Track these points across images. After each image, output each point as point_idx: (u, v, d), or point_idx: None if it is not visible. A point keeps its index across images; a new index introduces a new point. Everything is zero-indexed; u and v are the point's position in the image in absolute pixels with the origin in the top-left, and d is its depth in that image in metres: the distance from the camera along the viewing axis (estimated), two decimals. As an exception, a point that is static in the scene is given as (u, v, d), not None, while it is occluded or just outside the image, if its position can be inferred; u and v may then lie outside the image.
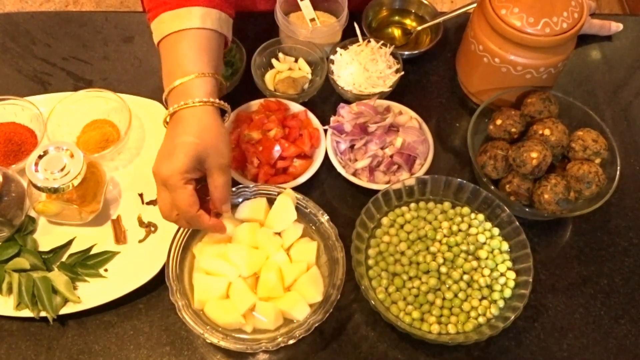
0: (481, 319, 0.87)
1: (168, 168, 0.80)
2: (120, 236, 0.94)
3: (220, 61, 0.91)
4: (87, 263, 0.91)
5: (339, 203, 1.00)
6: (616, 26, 1.21)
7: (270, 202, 0.91)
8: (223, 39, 0.92)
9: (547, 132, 0.96)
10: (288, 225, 0.90)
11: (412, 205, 0.97)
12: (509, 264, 0.91)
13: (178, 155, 0.80)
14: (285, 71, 1.11)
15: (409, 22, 1.20)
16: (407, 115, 1.04)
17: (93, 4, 2.57)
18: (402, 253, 0.92)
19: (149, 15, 0.91)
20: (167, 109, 0.86)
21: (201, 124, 0.83)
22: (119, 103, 1.01)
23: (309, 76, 1.11)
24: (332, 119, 1.02)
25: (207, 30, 0.88)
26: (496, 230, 0.94)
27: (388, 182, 0.99)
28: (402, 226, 0.95)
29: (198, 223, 0.83)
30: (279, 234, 0.90)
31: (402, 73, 1.07)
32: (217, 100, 0.85)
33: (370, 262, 0.92)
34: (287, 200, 0.89)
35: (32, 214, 0.95)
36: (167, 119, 0.86)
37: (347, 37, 1.11)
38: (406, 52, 1.13)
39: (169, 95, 0.86)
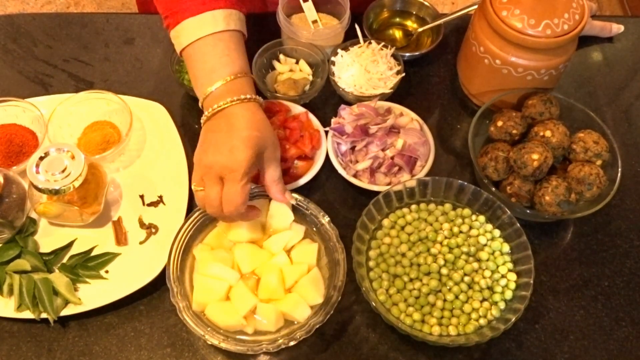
0: (482, 321, 0.87)
1: (233, 161, 0.81)
2: (121, 238, 0.94)
3: (247, 60, 0.93)
4: (88, 264, 0.91)
5: (339, 204, 1.00)
6: (617, 28, 1.21)
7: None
8: (243, 36, 0.94)
9: (548, 133, 0.96)
10: (286, 224, 0.89)
11: (413, 206, 0.97)
12: (510, 265, 0.91)
13: (243, 148, 0.81)
14: (286, 73, 1.11)
15: (410, 24, 1.20)
16: (408, 117, 1.04)
17: (94, 5, 2.57)
18: (403, 255, 0.92)
19: (167, 22, 0.92)
20: (204, 112, 0.87)
21: (256, 117, 0.85)
22: (120, 104, 1.02)
23: (310, 78, 1.11)
24: (333, 120, 1.02)
25: (232, 31, 0.89)
26: (497, 232, 0.94)
27: (389, 184, 0.99)
28: (403, 228, 0.95)
29: (237, 218, 0.86)
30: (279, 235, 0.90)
31: (403, 75, 1.07)
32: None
33: (371, 263, 0.92)
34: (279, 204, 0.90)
35: (33, 215, 0.95)
36: (208, 115, 0.86)
37: (348, 38, 1.11)
38: (407, 54, 1.13)
39: (209, 97, 0.87)
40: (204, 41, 0.88)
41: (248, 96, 0.86)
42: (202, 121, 0.88)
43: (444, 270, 0.90)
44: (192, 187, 0.86)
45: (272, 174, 0.87)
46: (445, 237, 0.93)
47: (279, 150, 0.88)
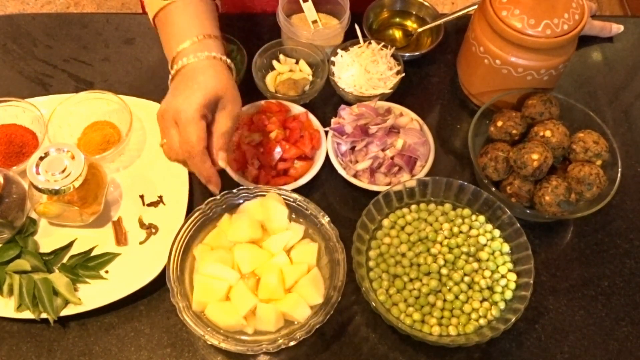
0: (482, 321, 0.87)
1: (186, 102, 0.82)
2: (121, 238, 0.94)
3: (218, 27, 0.93)
4: (88, 265, 0.91)
5: (339, 205, 1.00)
6: (617, 27, 1.21)
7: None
8: (216, 6, 0.95)
9: (548, 133, 0.96)
10: (283, 221, 0.89)
11: (413, 206, 0.97)
12: (510, 265, 0.91)
13: (198, 91, 0.83)
14: (286, 73, 1.11)
15: (410, 24, 1.20)
16: (407, 117, 1.04)
17: (94, 5, 2.57)
18: (403, 255, 0.92)
19: None
20: (171, 72, 0.88)
21: (219, 72, 0.86)
22: (120, 105, 1.02)
23: (310, 78, 1.11)
24: (333, 120, 1.02)
25: None
26: (497, 232, 0.94)
27: (389, 184, 0.99)
28: (403, 228, 0.95)
29: (199, 164, 0.84)
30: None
31: (403, 75, 1.07)
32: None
33: (371, 263, 0.92)
34: (271, 201, 0.90)
35: (33, 215, 0.95)
36: (173, 74, 0.87)
37: (348, 38, 1.11)
38: (407, 54, 1.13)
39: (177, 56, 0.88)
40: (174, 5, 0.89)
41: (214, 54, 0.87)
42: (169, 82, 0.88)
43: (444, 271, 0.90)
44: (160, 144, 0.87)
45: (221, 125, 0.86)
46: (445, 237, 0.93)
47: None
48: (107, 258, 0.92)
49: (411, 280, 0.90)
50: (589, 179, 0.93)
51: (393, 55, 1.09)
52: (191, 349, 0.88)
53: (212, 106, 0.85)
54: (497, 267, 0.91)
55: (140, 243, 0.94)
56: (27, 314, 0.87)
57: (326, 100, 1.10)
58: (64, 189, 0.87)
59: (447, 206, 0.97)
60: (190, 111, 0.82)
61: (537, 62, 0.98)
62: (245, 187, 0.92)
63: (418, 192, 0.97)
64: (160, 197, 0.98)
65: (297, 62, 1.12)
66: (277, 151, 0.98)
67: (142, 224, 0.96)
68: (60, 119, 1.01)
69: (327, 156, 1.00)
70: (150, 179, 1.00)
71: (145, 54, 1.16)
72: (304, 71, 1.11)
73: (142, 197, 0.98)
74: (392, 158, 0.99)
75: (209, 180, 0.86)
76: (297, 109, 1.04)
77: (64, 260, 0.92)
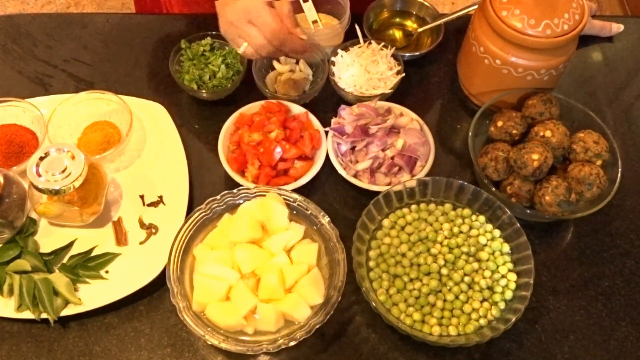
0: (482, 321, 0.87)
1: (249, 0, 0.92)
2: (121, 238, 0.94)
3: None
4: (88, 265, 0.92)
5: (339, 205, 1.00)
6: (617, 27, 1.21)
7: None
8: None
9: (548, 133, 0.96)
10: (283, 221, 0.89)
11: (413, 206, 0.97)
12: (510, 265, 0.91)
13: None
14: (286, 73, 1.11)
15: (410, 24, 1.20)
16: (408, 117, 1.04)
17: (94, 5, 2.57)
18: (403, 255, 0.92)
19: None
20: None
21: None
22: (120, 105, 1.02)
23: (310, 78, 1.11)
24: (333, 120, 1.02)
25: None
26: (497, 232, 0.94)
27: (389, 184, 0.99)
28: (403, 228, 0.95)
29: (294, 39, 0.97)
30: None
31: (403, 75, 1.07)
32: None
33: (371, 263, 0.92)
34: (271, 201, 0.90)
35: (33, 215, 0.95)
36: None
37: (348, 38, 1.11)
38: (407, 54, 1.13)
39: None
40: None
41: None
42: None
43: (444, 271, 0.90)
44: (240, 52, 0.98)
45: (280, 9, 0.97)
46: (446, 237, 0.93)
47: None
48: (107, 258, 0.92)
49: (411, 280, 0.90)
50: (589, 179, 0.93)
51: (393, 55, 1.09)
52: (191, 349, 0.88)
53: None
54: (497, 267, 0.91)
55: (141, 243, 0.94)
56: (27, 314, 0.87)
57: (326, 100, 1.10)
58: (64, 189, 0.87)
59: (447, 206, 0.97)
60: (260, 4, 0.93)
61: (537, 62, 0.98)
62: (245, 187, 0.92)
63: (418, 192, 0.97)
64: (160, 197, 0.98)
65: (297, 62, 1.12)
66: (277, 151, 0.98)
67: (142, 224, 0.96)
68: (61, 119, 1.01)
69: (327, 156, 1.00)
70: (150, 179, 1.00)
71: (145, 54, 1.16)
72: (304, 71, 1.11)
73: (142, 197, 0.98)
74: (392, 158, 0.99)
75: (305, 49, 0.99)
76: (297, 109, 1.04)
77: (64, 260, 0.92)
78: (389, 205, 0.96)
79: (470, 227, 0.94)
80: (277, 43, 0.97)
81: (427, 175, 0.99)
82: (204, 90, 1.06)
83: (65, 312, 0.87)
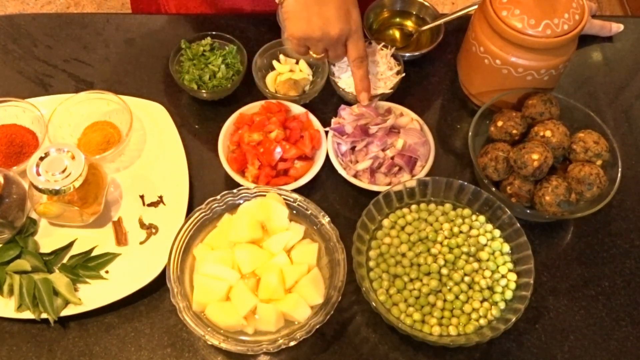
0: (482, 321, 0.87)
1: (353, 21, 0.94)
2: (121, 238, 0.94)
3: None
4: (88, 265, 0.91)
5: (340, 205, 1.00)
6: (617, 27, 1.21)
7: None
8: None
9: (548, 133, 0.96)
10: (284, 221, 0.89)
11: (413, 206, 0.97)
12: (510, 265, 0.91)
13: (355, 10, 0.94)
14: (286, 73, 1.11)
15: (410, 24, 1.20)
16: (408, 117, 1.04)
17: (94, 5, 2.57)
18: (403, 255, 0.92)
19: None
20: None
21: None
22: (120, 105, 1.02)
23: (310, 78, 1.11)
24: (333, 120, 1.02)
25: None
26: (497, 232, 0.94)
27: (389, 184, 0.99)
28: (403, 228, 0.95)
29: (366, 68, 1.00)
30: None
31: (403, 75, 1.07)
32: None
33: (371, 263, 0.92)
34: (271, 201, 0.90)
35: (33, 215, 0.95)
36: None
37: (348, 38, 1.11)
38: (407, 54, 1.13)
39: None
40: None
41: None
42: (280, 11, 0.99)
43: (444, 271, 0.90)
44: (314, 56, 0.99)
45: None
46: (446, 237, 0.93)
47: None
48: (108, 258, 0.92)
49: (411, 280, 0.90)
50: (589, 179, 0.93)
51: (393, 55, 1.09)
52: (191, 349, 0.88)
53: None
54: (498, 267, 0.91)
55: (141, 243, 0.94)
56: (28, 314, 0.87)
57: (326, 100, 1.10)
58: (64, 189, 0.87)
59: (447, 206, 0.97)
60: (360, 30, 0.96)
61: (537, 62, 0.98)
62: (245, 187, 0.92)
63: (418, 192, 0.97)
64: (161, 197, 0.98)
65: (297, 62, 1.12)
66: (277, 151, 0.98)
67: (142, 224, 0.96)
68: (61, 119, 1.01)
69: (327, 156, 1.00)
70: (150, 179, 1.00)
71: (145, 53, 1.16)
72: (304, 71, 1.11)
73: (142, 197, 0.98)
74: (392, 158, 0.99)
75: (368, 88, 1.01)
76: (297, 109, 1.04)
77: (64, 261, 0.92)
78: (389, 205, 0.96)
79: (470, 227, 0.94)
80: (357, 64, 0.99)
81: (427, 175, 0.99)
82: (204, 90, 1.06)
83: (65, 312, 0.87)
